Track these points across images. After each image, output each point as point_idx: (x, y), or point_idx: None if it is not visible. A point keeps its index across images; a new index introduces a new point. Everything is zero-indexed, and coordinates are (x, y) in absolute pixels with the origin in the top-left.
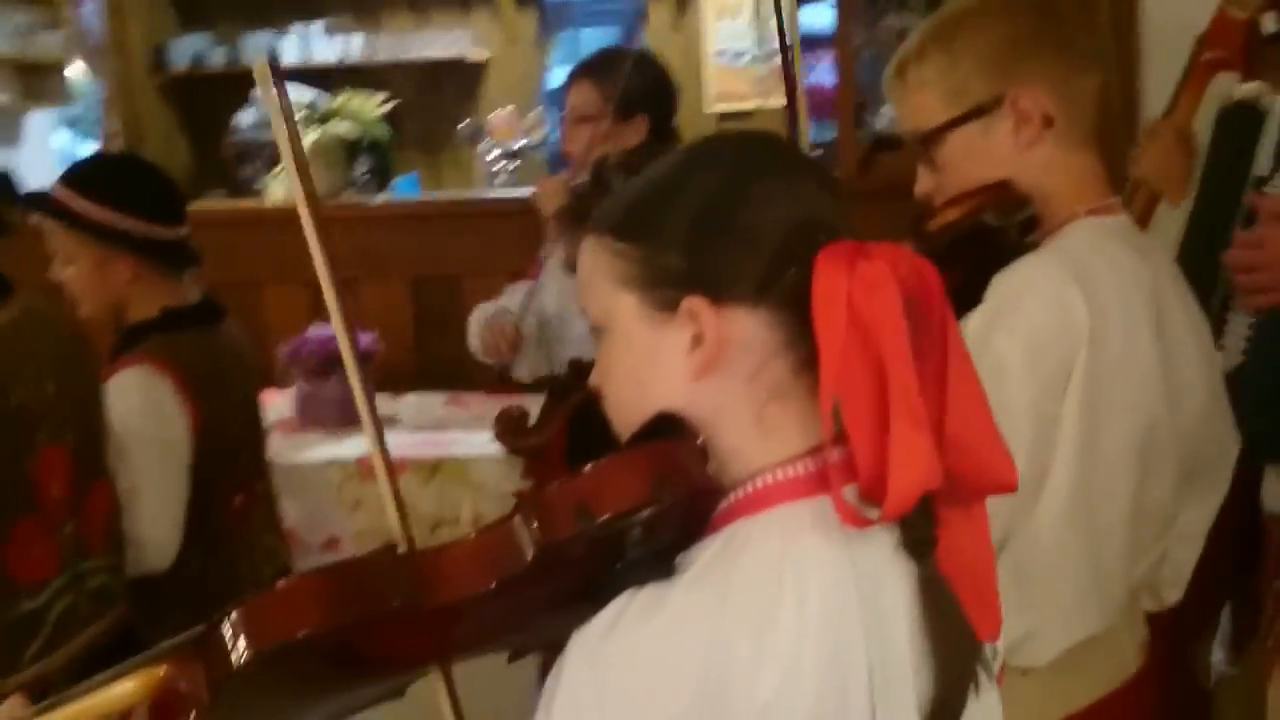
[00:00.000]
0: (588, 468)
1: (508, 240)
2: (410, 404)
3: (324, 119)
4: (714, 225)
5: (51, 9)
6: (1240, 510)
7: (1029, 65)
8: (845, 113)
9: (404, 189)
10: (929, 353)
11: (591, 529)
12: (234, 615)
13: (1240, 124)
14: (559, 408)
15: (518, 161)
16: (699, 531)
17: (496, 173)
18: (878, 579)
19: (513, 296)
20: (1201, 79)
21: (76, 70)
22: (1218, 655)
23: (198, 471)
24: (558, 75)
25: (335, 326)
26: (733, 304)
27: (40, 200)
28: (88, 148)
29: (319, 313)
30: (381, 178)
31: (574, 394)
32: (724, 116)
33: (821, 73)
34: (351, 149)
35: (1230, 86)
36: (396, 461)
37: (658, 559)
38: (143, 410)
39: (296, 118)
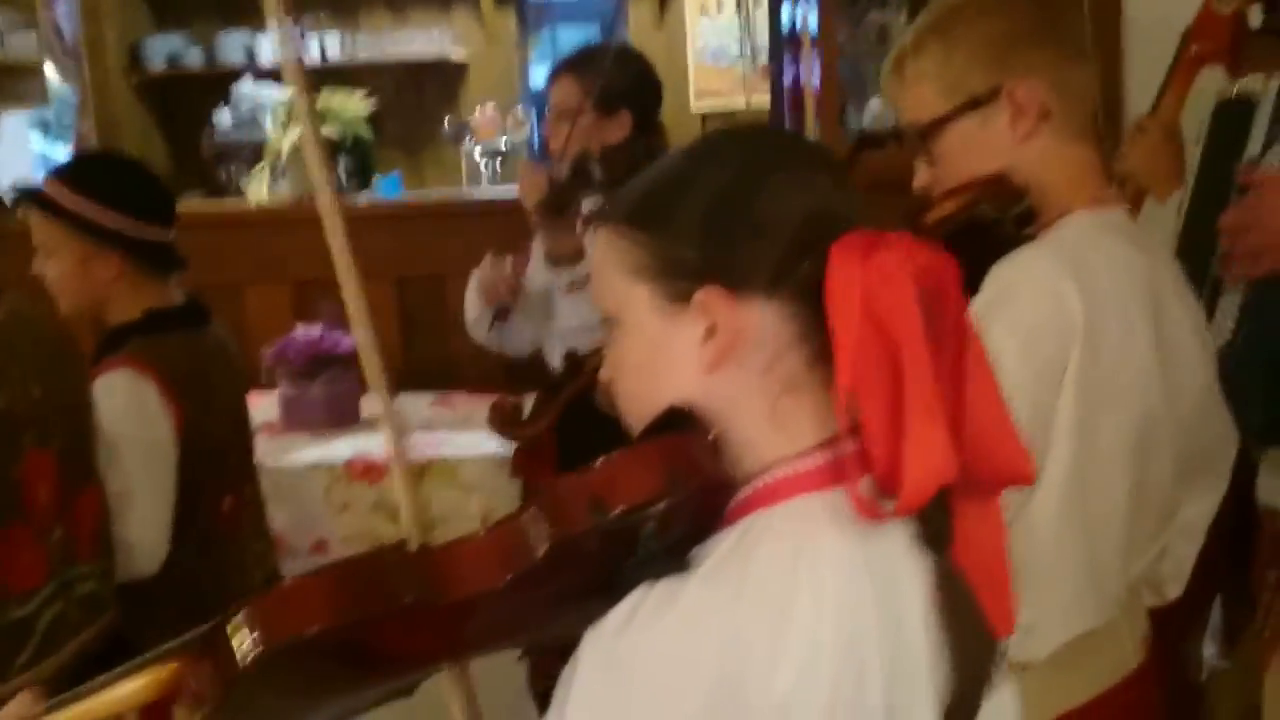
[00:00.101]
0: (600, 461)
1: (493, 239)
2: (398, 405)
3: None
4: (728, 216)
5: (25, 10)
6: (1232, 502)
7: (1026, 57)
8: (829, 111)
9: (386, 189)
10: (944, 344)
11: (605, 523)
12: (244, 612)
13: (1236, 117)
14: (553, 400)
15: (501, 160)
16: (712, 525)
17: (479, 171)
18: (893, 572)
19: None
20: (1188, 74)
21: (51, 71)
22: (1209, 649)
23: (184, 474)
24: (538, 74)
25: (357, 328)
26: (747, 296)
27: (29, 192)
28: (63, 150)
29: (301, 314)
30: (363, 177)
31: (568, 386)
32: (708, 116)
33: (803, 72)
34: (333, 148)
35: (1217, 81)
36: (385, 463)
37: (671, 553)
38: (127, 413)
39: (276, 117)
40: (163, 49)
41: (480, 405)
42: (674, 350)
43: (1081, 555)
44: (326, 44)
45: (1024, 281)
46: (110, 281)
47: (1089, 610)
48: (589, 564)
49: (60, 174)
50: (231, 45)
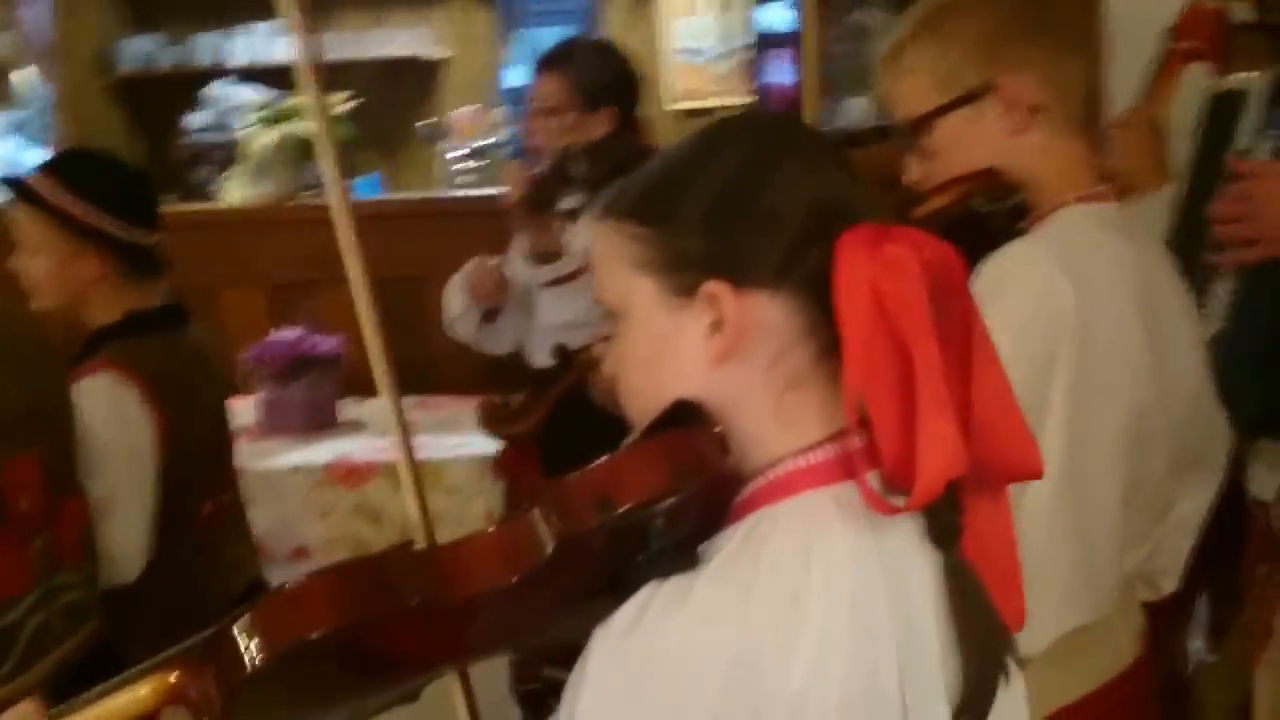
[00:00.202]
0: (606, 458)
1: (473, 240)
2: (377, 407)
3: (282, 118)
4: (734, 207)
5: None
6: (1220, 495)
7: (1018, 51)
8: (810, 110)
9: (365, 190)
10: (953, 337)
11: (613, 520)
12: (246, 617)
13: (1227, 111)
14: (544, 395)
15: (481, 160)
16: (719, 521)
17: (458, 172)
18: (903, 567)
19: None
20: (1173, 69)
21: (24, 73)
22: (1196, 643)
23: (165, 480)
24: (515, 73)
25: (366, 332)
26: (753, 289)
27: (17, 185)
28: (36, 152)
29: (278, 316)
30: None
31: (559, 381)
32: (685, 114)
33: (783, 71)
34: (308, 150)
35: (1202, 77)
36: (366, 466)
37: (679, 550)
38: (108, 418)
39: (253, 118)
40: (136, 50)
41: (462, 407)
42: (679, 344)
43: (1074, 550)
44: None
45: (1015, 275)
46: (91, 282)
47: (1082, 605)
48: (596, 562)
49: (48, 169)
50: (205, 46)
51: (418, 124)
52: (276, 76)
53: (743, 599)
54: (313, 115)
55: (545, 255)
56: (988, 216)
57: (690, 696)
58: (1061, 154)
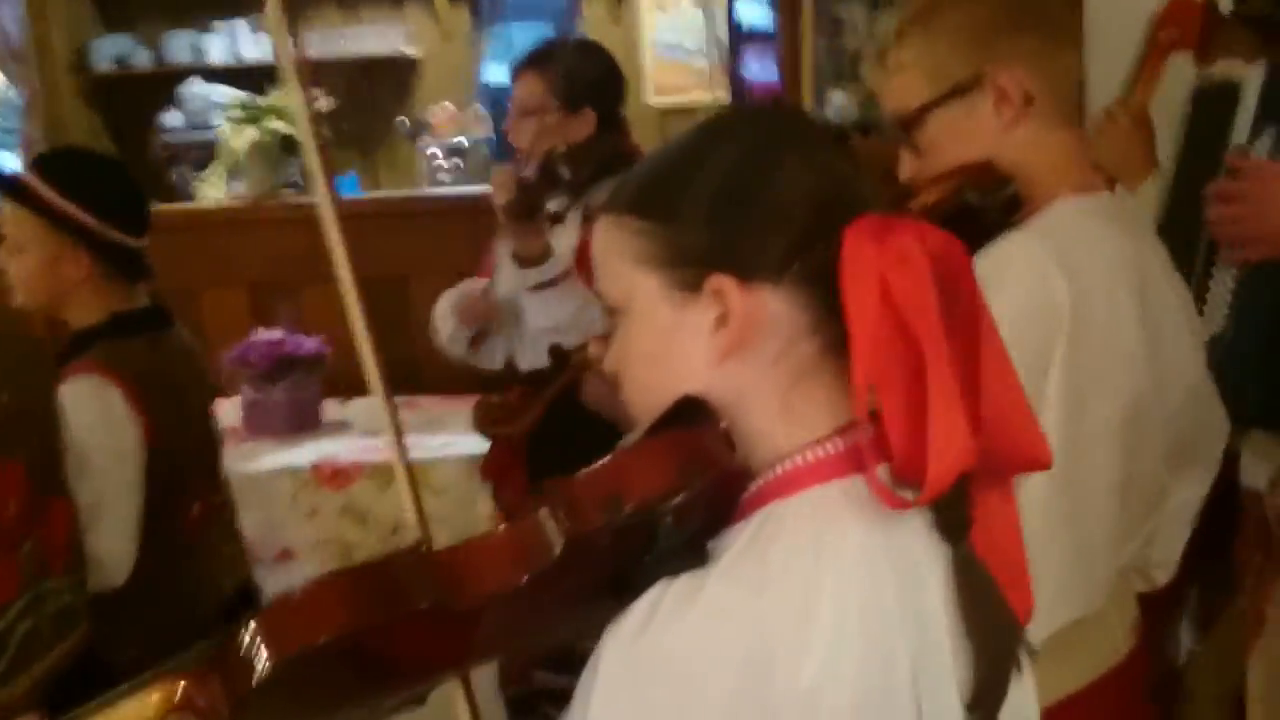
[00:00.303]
0: (613, 457)
1: (454, 238)
2: (361, 408)
3: (259, 117)
4: (737, 200)
5: None
6: (1213, 486)
7: (1008, 43)
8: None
9: (342, 188)
10: (960, 328)
11: (621, 519)
12: (254, 623)
13: (1217, 101)
14: (539, 396)
15: (460, 158)
16: (727, 517)
17: (438, 170)
18: (913, 561)
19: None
20: (1157, 61)
21: None
22: (1186, 633)
23: (151, 482)
24: (493, 71)
25: (356, 332)
26: (758, 282)
27: (8, 182)
28: (7, 155)
29: (259, 317)
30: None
31: (553, 382)
32: (664, 111)
33: (763, 67)
34: (287, 148)
35: (1185, 67)
36: (352, 467)
37: (688, 548)
38: (93, 420)
39: (229, 117)
40: (110, 50)
41: (447, 408)
42: (684, 340)
43: (1070, 543)
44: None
45: (1010, 268)
46: (77, 282)
47: (1078, 599)
48: (604, 561)
49: (40, 167)
50: (179, 45)
51: (397, 120)
52: (252, 75)
53: (754, 596)
54: (300, 127)
55: (531, 259)
56: (981, 210)
57: (704, 694)
58: (1053, 146)
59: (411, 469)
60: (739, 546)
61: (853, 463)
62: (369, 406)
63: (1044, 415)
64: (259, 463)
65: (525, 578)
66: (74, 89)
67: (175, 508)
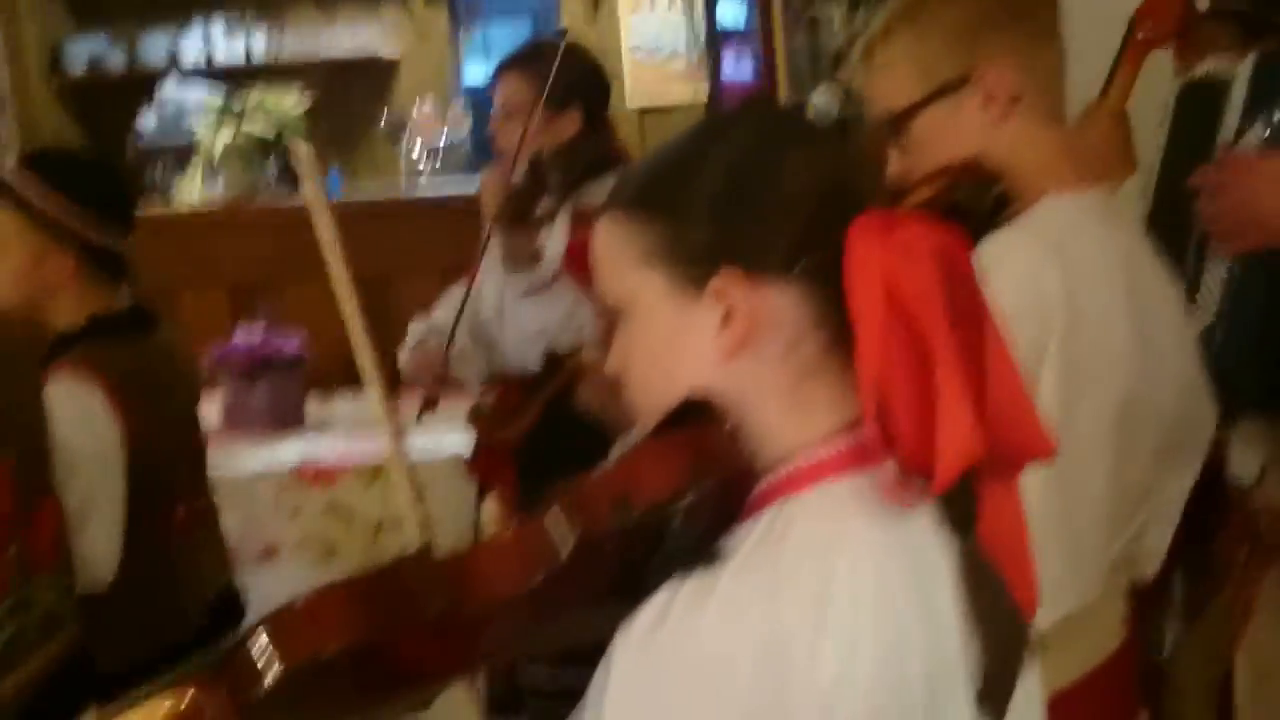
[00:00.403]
0: (622, 456)
1: (437, 238)
2: (344, 407)
3: (237, 118)
4: (743, 194)
5: None
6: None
7: (996, 40)
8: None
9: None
10: (964, 321)
11: (632, 519)
12: (262, 631)
13: (1205, 96)
14: (534, 398)
15: (441, 158)
16: (735, 516)
17: (419, 169)
18: (922, 556)
19: (447, 306)
20: (1136, 58)
21: None
22: (1171, 625)
23: (135, 484)
24: (472, 70)
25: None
26: (764, 278)
27: None
28: None
29: (239, 317)
30: (294, 177)
31: (548, 385)
32: (643, 111)
33: (741, 67)
34: (267, 148)
35: (1165, 66)
36: (334, 466)
37: (698, 547)
38: (75, 422)
39: (209, 117)
40: (83, 51)
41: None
42: (689, 338)
43: (1062, 538)
44: (253, 42)
45: (999, 266)
46: (60, 282)
47: (1071, 592)
48: (614, 563)
49: (28, 165)
50: (154, 46)
51: (380, 121)
52: (227, 75)
53: (768, 593)
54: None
55: (521, 263)
56: (971, 208)
57: (720, 693)
58: (1042, 143)
59: (413, 474)
60: (750, 544)
61: (860, 459)
62: (352, 405)
63: (1038, 410)
64: (241, 462)
65: (536, 580)
66: (47, 91)
67: (159, 510)
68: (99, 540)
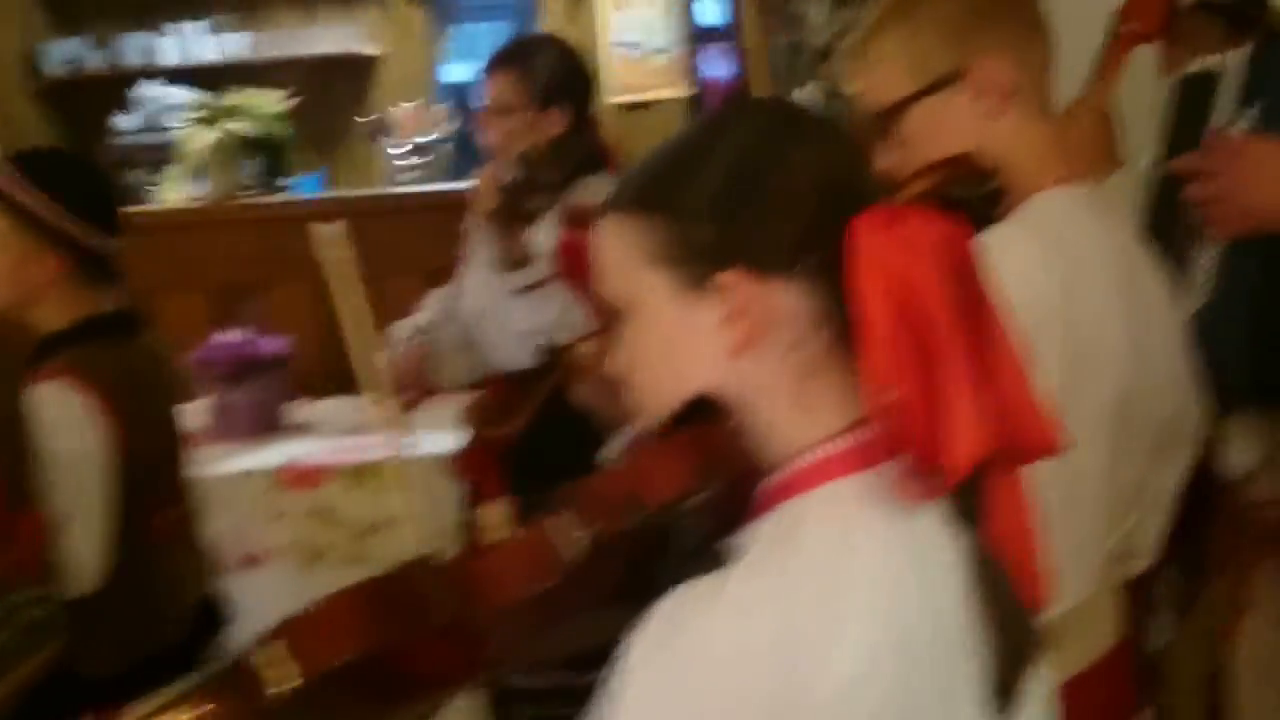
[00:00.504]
0: (630, 458)
1: (421, 237)
2: (327, 409)
3: (218, 118)
4: (744, 192)
5: None
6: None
7: (989, 34)
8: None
9: (306, 188)
10: (970, 315)
11: (641, 520)
12: (272, 642)
13: (1198, 89)
14: (530, 395)
15: (423, 156)
16: (742, 515)
17: (401, 169)
18: (931, 553)
19: (432, 307)
20: (1120, 54)
21: None
22: (1162, 620)
23: (118, 489)
24: (452, 69)
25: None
26: (769, 276)
27: None
28: None
29: (220, 319)
30: (276, 177)
31: (545, 380)
32: (624, 108)
33: (721, 64)
34: (249, 148)
35: (1151, 60)
36: (318, 469)
37: (706, 546)
38: (58, 427)
39: (188, 118)
40: (61, 53)
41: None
42: (694, 337)
43: (1059, 534)
44: (232, 42)
45: (997, 260)
46: (45, 284)
47: (1069, 588)
48: (624, 564)
49: (16, 164)
50: (132, 47)
51: (361, 120)
52: (206, 76)
53: (779, 592)
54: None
55: (514, 262)
56: (964, 203)
57: (734, 693)
58: (1034, 137)
59: (407, 471)
60: (760, 543)
61: (867, 456)
62: (335, 407)
63: None
64: (224, 465)
65: (548, 584)
66: (25, 92)
67: (143, 514)
68: (83, 545)
